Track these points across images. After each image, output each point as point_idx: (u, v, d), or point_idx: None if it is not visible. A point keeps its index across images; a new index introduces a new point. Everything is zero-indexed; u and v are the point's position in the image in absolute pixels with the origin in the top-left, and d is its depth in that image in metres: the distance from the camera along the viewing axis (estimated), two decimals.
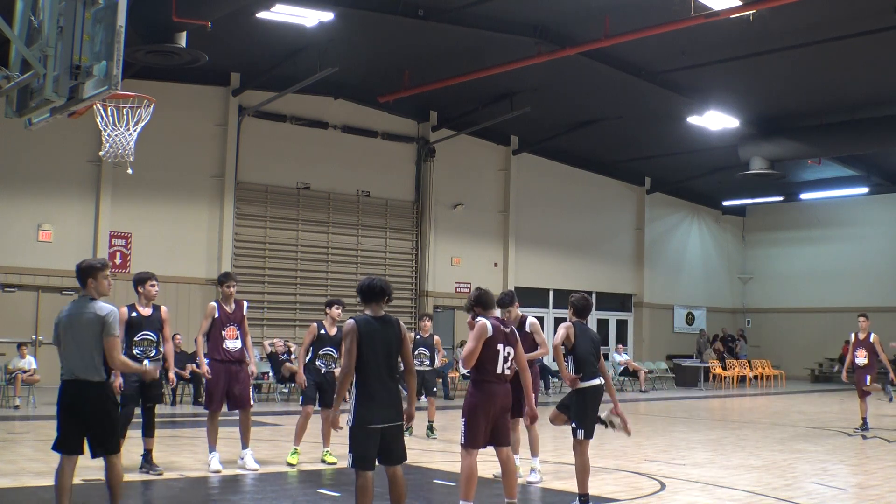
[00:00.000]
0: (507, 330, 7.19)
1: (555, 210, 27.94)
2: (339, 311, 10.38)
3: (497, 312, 7.66)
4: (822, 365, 31.32)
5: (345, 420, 6.44)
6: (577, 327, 7.90)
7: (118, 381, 9.22)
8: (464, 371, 22.60)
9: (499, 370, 7.07)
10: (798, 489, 9.16)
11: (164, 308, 9.62)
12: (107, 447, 6.53)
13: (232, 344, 9.75)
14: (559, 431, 13.45)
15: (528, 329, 9.48)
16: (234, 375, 9.73)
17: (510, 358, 7.14)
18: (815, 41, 17.99)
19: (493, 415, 7.04)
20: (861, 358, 15.20)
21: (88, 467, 9.64)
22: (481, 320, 7.13)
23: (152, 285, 9.38)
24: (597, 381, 7.84)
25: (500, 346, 7.08)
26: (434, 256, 24.93)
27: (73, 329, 6.49)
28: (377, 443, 6.30)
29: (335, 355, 10.27)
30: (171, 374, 9.80)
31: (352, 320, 6.35)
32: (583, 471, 7.71)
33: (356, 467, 6.29)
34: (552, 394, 21.93)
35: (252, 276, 21.48)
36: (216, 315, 9.78)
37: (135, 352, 9.31)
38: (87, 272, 6.80)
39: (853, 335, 15.46)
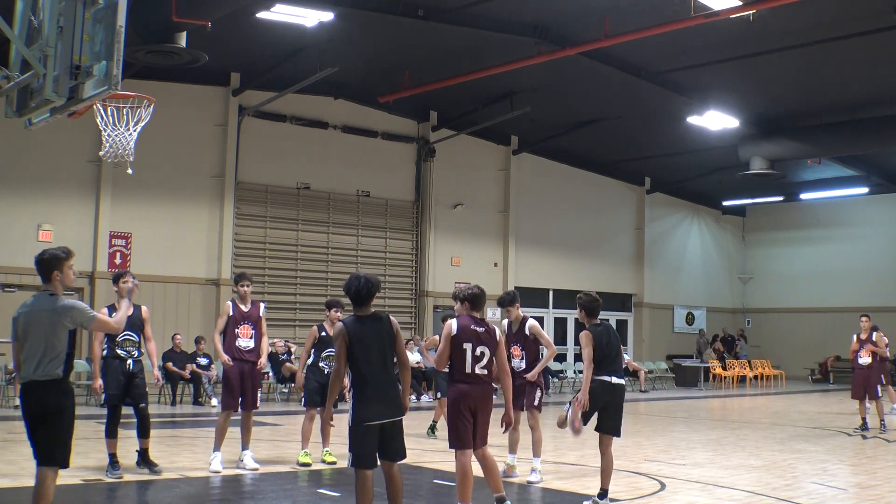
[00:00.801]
0: (480, 329, 7.08)
1: (555, 210, 27.94)
2: (339, 313, 10.39)
3: (494, 313, 7.64)
4: (823, 365, 31.30)
5: (343, 420, 6.46)
6: (595, 335, 7.84)
7: (97, 382, 9.23)
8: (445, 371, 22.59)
9: (468, 369, 6.99)
10: (798, 489, 9.16)
11: (144, 308, 9.64)
12: (54, 456, 5.91)
13: (245, 343, 9.78)
14: (559, 432, 13.46)
15: (528, 332, 9.46)
16: (246, 375, 9.76)
17: (484, 357, 7.04)
18: (815, 41, 17.99)
19: (468, 413, 6.98)
20: (865, 357, 15.16)
21: (88, 467, 9.68)
22: (448, 321, 7.14)
23: (125, 282, 9.36)
24: (606, 378, 7.80)
25: (467, 346, 7.00)
26: (434, 256, 24.93)
27: (32, 327, 5.97)
28: (376, 440, 6.32)
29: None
30: (157, 372, 9.74)
31: (340, 323, 6.46)
32: (605, 465, 7.76)
33: (356, 466, 6.31)
34: (552, 393, 21.91)
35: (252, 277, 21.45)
36: (231, 313, 9.81)
37: (119, 352, 9.30)
38: (52, 264, 6.12)
39: (855, 336, 15.41)
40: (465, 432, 6.95)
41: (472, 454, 7.07)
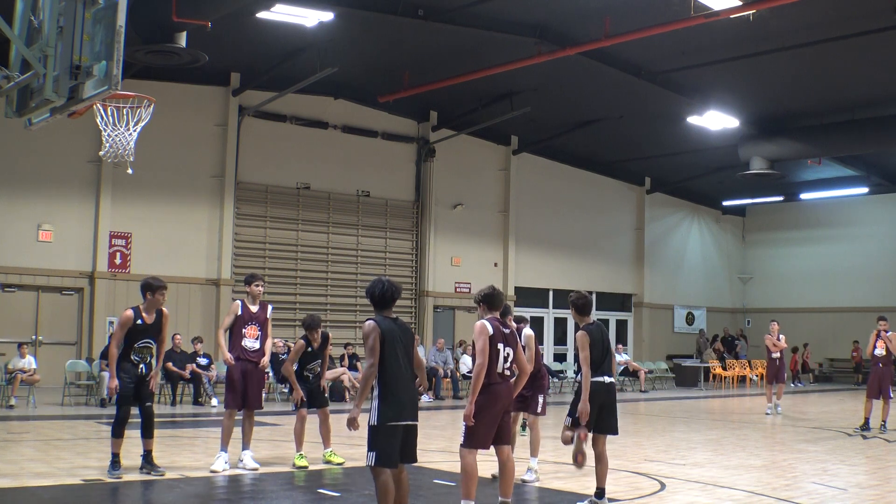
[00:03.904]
0: (507, 331, 7.23)
1: (555, 210, 27.94)
2: (317, 334, 10.38)
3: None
4: (822, 365, 31.30)
5: (361, 419, 6.46)
6: (591, 334, 7.86)
7: (114, 382, 9.20)
8: (464, 371, 22.50)
9: (499, 370, 7.11)
10: (798, 489, 9.16)
11: (165, 310, 9.58)
12: None
13: (251, 343, 9.81)
14: (560, 432, 13.42)
15: (522, 342, 9.51)
16: (249, 375, 9.78)
17: (510, 358, 7.17)
18: (815, 41, 17.99)
19: (498, 416, 7.07)
20: (880, 349, 15.07)
21: (89, 467, 9.68)
22: (480, 321, 7.17)
23: (162, 294, 9.37)
24: (599, 379, 7.83)
25: (499, 346, 7.11)
26: (434, 256, 24.93)
27: None
28: (400, 440, 6.35)
29: (319, 369, 10.44)
30: (156, 381, 9.59)
31: (372, 321, 6.45)
32: (600, 465, 7.76)
33: (379, 465, 6.30)
34: (551, 393, 21.89)
35: None
36: (239, 313, 9.82)
37: (133, 358, 9.28)
38: None
39: (873, 333, 15.30)
40: (482, 435, 7.01)
41: (497, 452, 7.20)
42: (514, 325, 9.54)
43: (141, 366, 9.31)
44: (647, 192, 30.67)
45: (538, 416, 9.65)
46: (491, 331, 7.08)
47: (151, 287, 9.37)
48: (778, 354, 18.97)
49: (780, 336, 19.08)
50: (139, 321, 9.26)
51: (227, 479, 9.30)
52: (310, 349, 10.34)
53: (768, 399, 18.98)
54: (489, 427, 7.03)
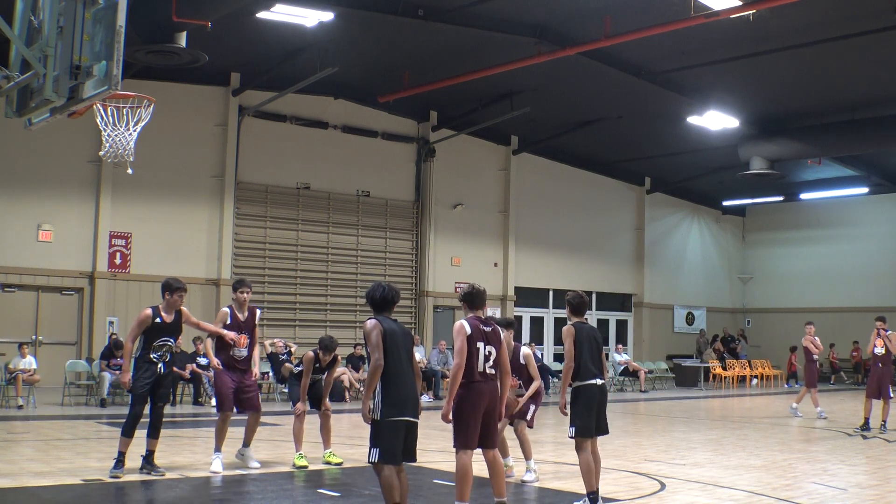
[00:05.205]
0: (488, 329, 7.18)
1: (555, 210, 27.95)
2: (329, 357, 10.39)
3: (494, 312, 7.65)
4: (822, 365, 31.26)
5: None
6: (578, 331, 7.87)
7: (126, 375, 9.17)
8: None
9: (480, 368, 7.07)
10: (798, 489, 9.16)
11: (184, 309, 9.60)
12: None
13: (240, 352, 9.80)
14: (560, 432, 13.45)
15: (522, 361, 9.52)
16: (240, 381, 9.78)
17: (491, 357, 7.14)
18: (815, 41, 17.99)
19: (481, 414, 7.04)
20: (879, 347, 15.06)
21: (89, 467, 9.68)
22: (459, 321, 7.19)
23: (181, 296, 9.37)
24: (592, 381, 7.84)
25: (479, 345, 7.09)
26: (434, 256, 24.93)
27: None
28: (403, 436, 6.37)
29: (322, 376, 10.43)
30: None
31: (373, 319, 6.59)
32: (587, 470, 7.70)
33: (383, 461, 6.31)
34: (552, 394, 21.88)
35: (252, 276, 21.42)
36: (228, 321, 9.78)
37: (152, 356, 9.28)
38: None
39: (874, 332, 15.29)
40: (474, 433, 7.00)
41: (483, 454, 7.14)
42: (512, 342, 9.53)
43: (160, 364, 9.32)
44: (647, 192, 30.67)
45: (526, 421, 9.57)
46: (469, 330, 7.06)
47: (171, 287, 9.41)
48: (817, 356, 18.16)
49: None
50: (158, 319, 9.28)
51: (227, 479, 9.30)
52: (317, 364, 10.34)
53: (815, 403, 17.73)
54: (473, 425, 7.00)
